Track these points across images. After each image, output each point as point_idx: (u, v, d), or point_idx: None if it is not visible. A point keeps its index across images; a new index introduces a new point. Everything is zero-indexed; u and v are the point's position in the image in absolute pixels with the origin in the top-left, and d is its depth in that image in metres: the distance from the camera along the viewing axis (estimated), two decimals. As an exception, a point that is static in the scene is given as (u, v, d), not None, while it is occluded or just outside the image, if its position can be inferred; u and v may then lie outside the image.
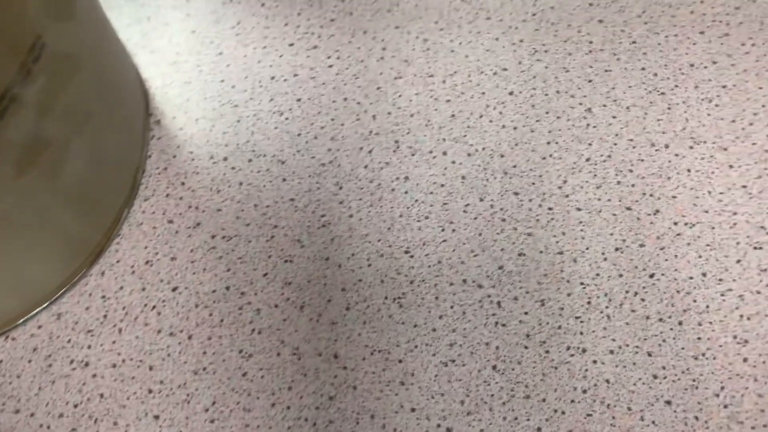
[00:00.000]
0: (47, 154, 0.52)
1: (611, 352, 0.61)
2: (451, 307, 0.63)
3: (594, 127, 0.70)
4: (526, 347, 0.61)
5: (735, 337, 0.61)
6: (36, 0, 0.47)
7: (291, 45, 0.75)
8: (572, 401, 0.59)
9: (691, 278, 0.64)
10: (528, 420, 0.58)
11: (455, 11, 0.75)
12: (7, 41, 0.45)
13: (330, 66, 0.73)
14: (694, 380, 0.59)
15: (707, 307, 0.63)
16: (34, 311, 0.63)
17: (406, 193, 0.68)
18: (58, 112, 0.52)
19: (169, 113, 0.72)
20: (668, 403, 0.59)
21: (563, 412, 0.59)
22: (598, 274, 0.65)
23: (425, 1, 0.75)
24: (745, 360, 0.60)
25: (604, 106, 0.71)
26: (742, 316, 0.62)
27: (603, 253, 0.65)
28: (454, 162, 0.69)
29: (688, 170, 0.69)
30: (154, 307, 0.62)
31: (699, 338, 0.61)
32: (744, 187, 0.68)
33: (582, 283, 0.64)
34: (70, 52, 0.52)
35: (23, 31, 0.47)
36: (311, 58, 0.74)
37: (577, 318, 0.63)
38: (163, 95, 0.73)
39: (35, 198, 0.54)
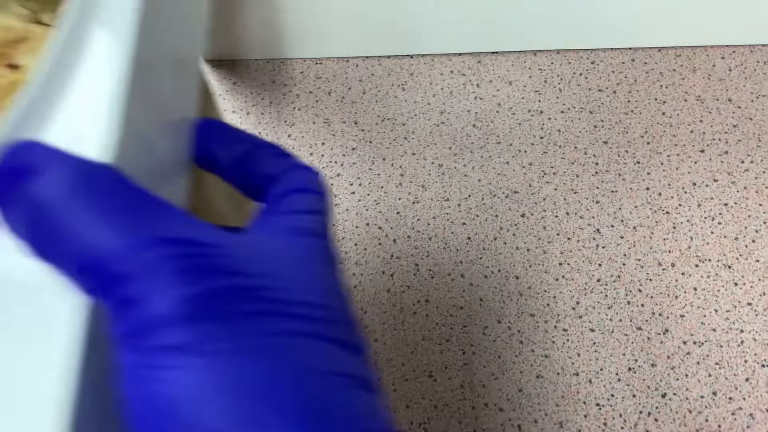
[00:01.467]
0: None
1: (628, 474, 0.64)
2: (474, 431, 0.67)
3: (603, 247, 0.74)
4: (546, 471, 0.65)
5: (747, 457, 0.64)
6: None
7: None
8: None
9: (702, 397, 0.67)
10: None
11: (467, 137, 0.80)
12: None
13: (352, 193, 0.79)
14: (709, 504, 0.62)
15: (719, 426, 0.66)
16: None
17: (427, 316, 0.73)
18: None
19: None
20: None
21: None
22: (612, 395, 0.68)
23: (439, 128, 0.81)
24: (757, 483, 0.63)
25: (612, 226, 0.75)
26: (753, 435, 0.65)
27: (617, 374, 0.69)
28: (471, 284, 0.74)
29: (695, 289, 0.72)
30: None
31: (712, 461, 0.64)
32: (749, 304, 0.71)
33: (598, 404, 0.68)
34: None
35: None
36: (335, 185, 0.79)
37: (594, 440, 0.66)
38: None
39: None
